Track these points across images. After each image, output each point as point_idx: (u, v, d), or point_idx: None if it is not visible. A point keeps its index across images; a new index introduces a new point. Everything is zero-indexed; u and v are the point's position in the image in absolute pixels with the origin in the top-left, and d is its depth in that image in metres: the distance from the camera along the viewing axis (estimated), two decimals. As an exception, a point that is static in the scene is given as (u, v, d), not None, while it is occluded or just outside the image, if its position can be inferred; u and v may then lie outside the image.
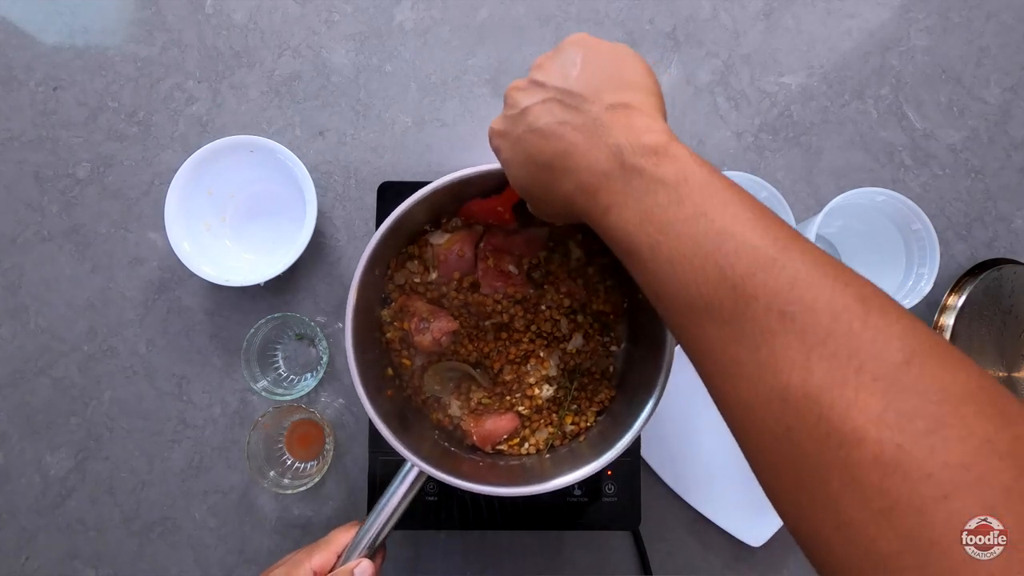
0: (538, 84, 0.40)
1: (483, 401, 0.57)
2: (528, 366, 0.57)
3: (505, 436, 0.56)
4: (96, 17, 0.73)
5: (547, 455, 0.57)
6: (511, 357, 0.57)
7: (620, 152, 0.35)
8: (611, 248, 0.37)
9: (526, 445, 0.57)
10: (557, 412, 0.58)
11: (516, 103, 0.40)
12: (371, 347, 0.55)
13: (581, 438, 0.56)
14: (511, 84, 0.42)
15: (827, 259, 0.30)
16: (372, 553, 0.48)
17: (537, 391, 0.57)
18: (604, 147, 0.36)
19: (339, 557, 0.48)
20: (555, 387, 0.58)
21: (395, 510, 0.49)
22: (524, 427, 0.57)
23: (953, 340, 0.63)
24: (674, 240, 0.33)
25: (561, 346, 0.58)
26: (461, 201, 0.57)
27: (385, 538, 0.49)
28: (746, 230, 0.31)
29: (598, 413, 0.57)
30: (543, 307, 0.57)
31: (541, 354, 0.57)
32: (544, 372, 0.57)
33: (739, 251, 0.31)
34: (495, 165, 0.51)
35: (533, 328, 0.57)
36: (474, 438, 0.56)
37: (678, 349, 0.66)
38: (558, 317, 0.58)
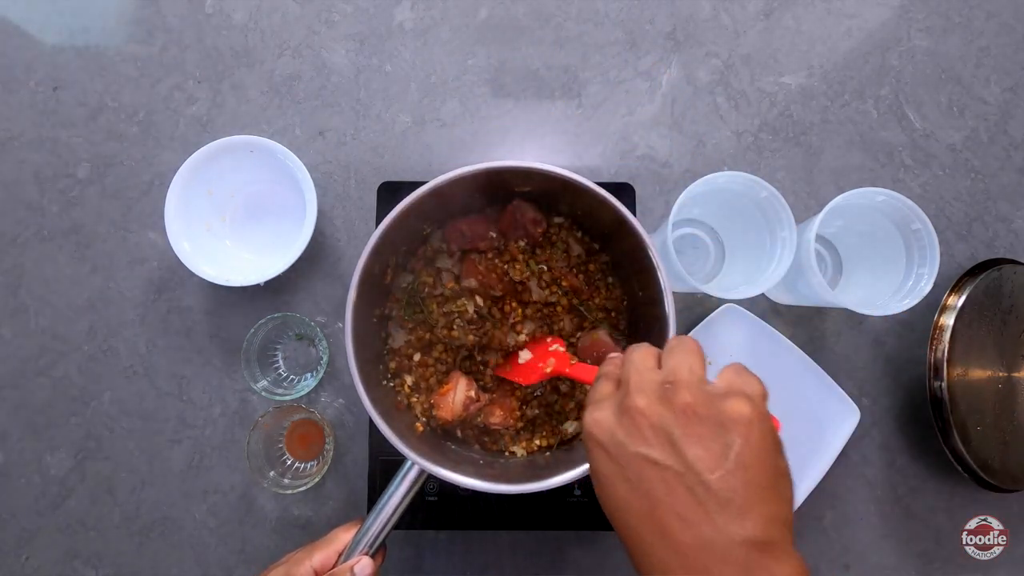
0: (669, 441, 0.32)
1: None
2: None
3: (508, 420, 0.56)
4: (96, 17, 0.73)
5: (547, 454, 0.57)
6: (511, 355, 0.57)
7: None
8: None
9: (526, 443, 0.57)
10: (556, 413, 0.58)
11: (635, 433, 0.33)
12: (371, 347, 0.55)
13: (581, 437, 0.56)
14: (637, 387, 0.34)
15: None
16: (373, 552, 0.48)
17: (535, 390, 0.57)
18: None
19: (340, 556, 0.48)
20: (559, 382, 0.58)
21: (396, 509, 0.49)
22: (525, 425, 0.57)
23: (953, 340, 0.63)
24: None
25: (571, 339, 0.58)
26: (459, 203, 0.57)
27: (386, 537, 0.49)
28: None
29: None
30: (543, 301, 0.58)
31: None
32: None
33: None
34: (493, 164, 0.51)
35: (539, 327, 0.58)
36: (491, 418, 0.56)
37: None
38: (562, 315, 0.58)
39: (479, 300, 0.56)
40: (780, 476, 0.32)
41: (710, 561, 0.30)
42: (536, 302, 0.58)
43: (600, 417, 0.34)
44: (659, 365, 0.36)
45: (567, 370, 0.52)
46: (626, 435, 0.33)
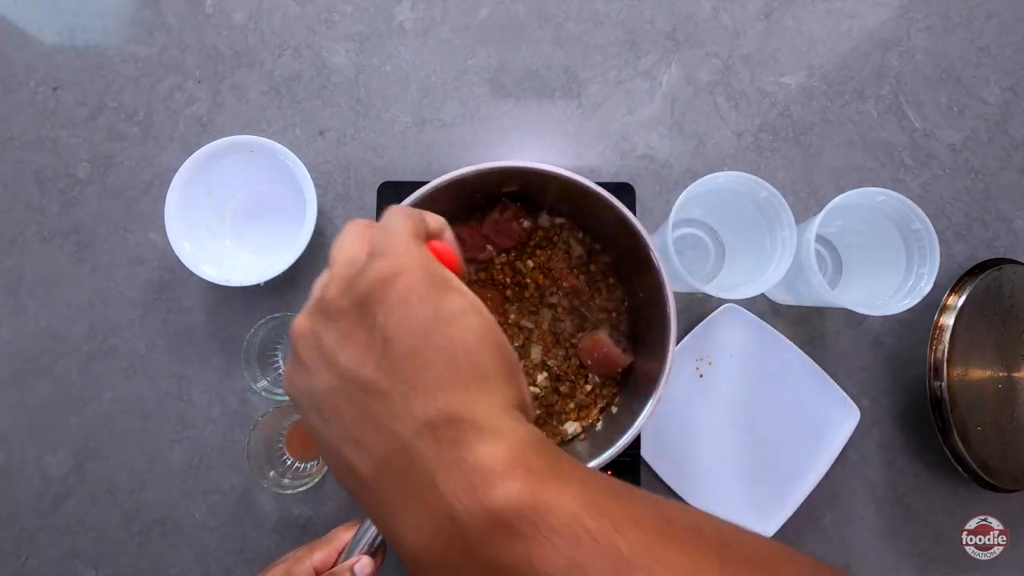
0: (324, 360, 0.26)
1: None
2: (529, 364, 0.57)
3: None
4: (96, 17, 0.73)
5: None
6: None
7: (455, 530, 0.21)
8: None
9: None
10: (556, 414, 0.58)
11: (299, 370, 0.27)
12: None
13: (582, 437, 0.56)
14: (297, 320, 0.28)
15: None
16: (373, 551, 0.48)
17: (536, 389, 0.57)
18: (425, 514, 0.22)
19: (340, 555, 0.48)
20: (559, 384, 0.58)
21: None
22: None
23: (953, 340, 0.63)
24: None
25: (571, 340, 0.58)
26: (458, 205, 0.57)
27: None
28: None
29: (601, 410, 0.57)
30: (548, 303, 0.58)
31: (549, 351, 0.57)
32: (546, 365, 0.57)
33: None
34: (495, 163, 0.51)
35: (544, 326, 0.58)
36: None
37: (678, 348, 0.66)
38: (562, 317, 0.58)
39: None
40: (443, 323, 0.24)
41: (394, 484, 0.23)
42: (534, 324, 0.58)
43: (285, 372, 0.29)
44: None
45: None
46: (298, 378, 0.27)
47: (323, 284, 0.28)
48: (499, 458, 0.22)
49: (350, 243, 0.28)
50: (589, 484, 0.22)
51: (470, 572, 0.22)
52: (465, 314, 0.25)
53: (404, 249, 0.26)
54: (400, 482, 0.23)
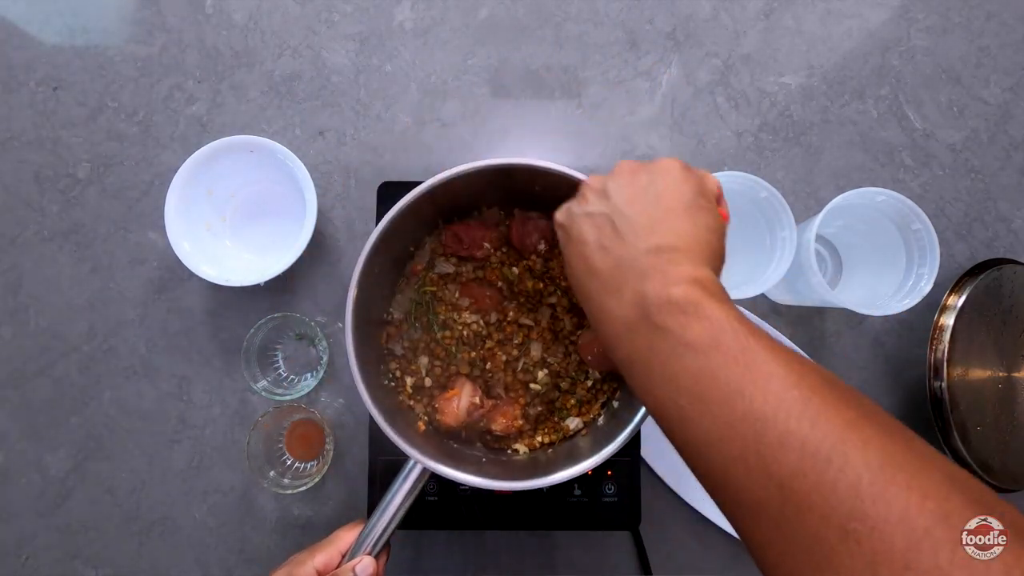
0: (605, 195, 0.38)
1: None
2: (530, 361, 0.57)
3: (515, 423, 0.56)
4: (96, 17, 0.73)
5: (548, 451, 0.57)
6: (513, 355, 0.57)
7: (646, 303, 0.32)
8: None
9: (528, 441, 0.57)
10: (557, 410, 0.58)
11: (583, 202, 0.39)
12: (371, 347, 0.55)
13: (584, 432, 0.57)
14: (592, 177, 0.41)
15: (897, 446, 0.25)
16: (376, 552, 0.48)
17: (537, 386, 0.57)
18: (631, 292, 0.33)
19: (343, 556, 0.48)
20: (559, 381, 0.58)
21: (398, 508, 0.49)
22: (527, 423, 0.57)
23: (953, 340, 0.63)
24: (708, 420, 0.28)
25: (571, 338, 0.58)
26: (460, 203, 0.57)
27: (389, 537, 0.49)
28: (791, 415, 0.26)
29: (602, 405, 0.57)
30: (548, 303, 0.58)
31: (548, 349, 0.57)
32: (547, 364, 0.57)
33: (784, 442, 0.25)
34: (492, 161, 0.51)
35: (543, 324, 0.58)
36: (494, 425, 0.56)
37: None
38: (562, 315, 0.58)
39: (480, 320, 0.57)
40: (694, 207, 0.36)
41: (619, 275, 0.34)
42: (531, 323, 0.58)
43: (564, 207, 0.42)
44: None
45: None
46: (576, 205, 0.40)
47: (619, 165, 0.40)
48: (686, 275, 0.32)
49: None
50: (739, 314, 0.31)
51: (646, 330, 0.32)
52: (708, 211, 0.37)
53: (696, 171, 0.39)
54: (623, 274, 0.34)
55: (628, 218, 0.36)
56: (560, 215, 0.42)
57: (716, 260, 0.35)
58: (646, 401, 0.33)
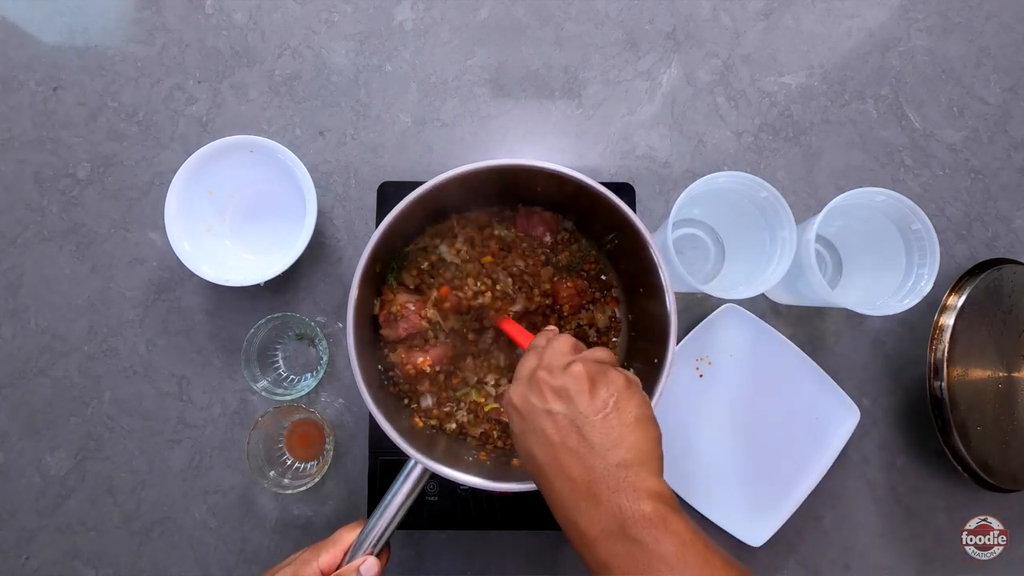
0: (565, 397, 0.40)
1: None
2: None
3: None
4: (96, 17, 0.73)
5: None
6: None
7: (622, 515, 0.36)
8: None
9: None
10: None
11: (541, 398, 0.41)
12: (371, 346, 0.55)
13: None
14: (546, 365, 0.43)
15: None
16: (377, 551, 0.49)
17: None
18: (608, 503, 0.37)
19: (345, 555, 0.48)
20: None
21: (399, 508, 0.49)
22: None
23: (953, 340, 0.63)
24: None
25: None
26: (461, 204, 0.57)
27: (390, 536, 0.49)
28: None
29: None
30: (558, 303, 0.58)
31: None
32: None
33: None
34: (496, 161, 0.51)
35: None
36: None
37: (678, 348, 0.66)
38: (567, 314, 0.58)
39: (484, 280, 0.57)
40: (644, 419, 0.40)
41: (594, 484, 0.37)
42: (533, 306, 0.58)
43: (518, 389, 0.43)
44: (574, 350, 0.44)
45: (504, 326, 0.56)
46: (534, 397, 0.42)
47: (557, 353, 0.44)
48: (651, 490, 0.37)
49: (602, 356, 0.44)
50: (694, 526, 0.37)
51: (623, 540, 0.36)
52: (652, 422, 0.41)
53: (629, 378, 0.43)
54: (597, 484, 0.37)
55: (597, 429, 0.39)
56: (516, 398, 0.43)
57: (662, 466, 0.40)
58: None
